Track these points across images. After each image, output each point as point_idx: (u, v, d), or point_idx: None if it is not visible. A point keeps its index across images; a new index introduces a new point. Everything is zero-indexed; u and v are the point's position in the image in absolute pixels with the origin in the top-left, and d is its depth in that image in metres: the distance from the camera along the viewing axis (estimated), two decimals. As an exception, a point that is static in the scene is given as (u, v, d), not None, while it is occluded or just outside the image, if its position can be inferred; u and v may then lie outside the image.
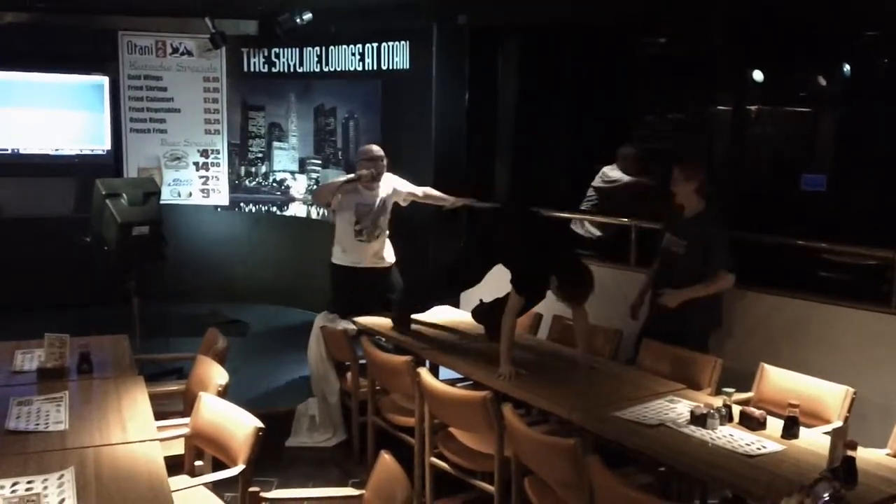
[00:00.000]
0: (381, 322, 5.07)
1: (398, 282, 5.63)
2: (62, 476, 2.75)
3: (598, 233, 6.62)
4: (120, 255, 5.54)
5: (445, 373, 4.59)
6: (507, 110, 7.65)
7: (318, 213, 7.80)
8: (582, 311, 4.28)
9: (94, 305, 6.73)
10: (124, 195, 5.56)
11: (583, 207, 6.82)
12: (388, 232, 5.60)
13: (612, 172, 6.71)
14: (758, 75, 7.87)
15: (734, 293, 4.87)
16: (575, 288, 4.09)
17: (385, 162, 5.45)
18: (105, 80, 7.92)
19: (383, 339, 4.98)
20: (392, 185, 5.56)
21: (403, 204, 5.66)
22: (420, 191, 5.68)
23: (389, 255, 5.66)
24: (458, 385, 4.28)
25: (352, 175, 5.46)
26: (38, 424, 3.22)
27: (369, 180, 5.40)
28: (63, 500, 2.58)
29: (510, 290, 4.26)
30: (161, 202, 6.23)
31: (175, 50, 8.03)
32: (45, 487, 2.66)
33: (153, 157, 8.04)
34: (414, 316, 5.04)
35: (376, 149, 5.47)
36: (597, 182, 6.76)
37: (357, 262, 5.52)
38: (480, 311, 4.88)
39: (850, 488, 2.79)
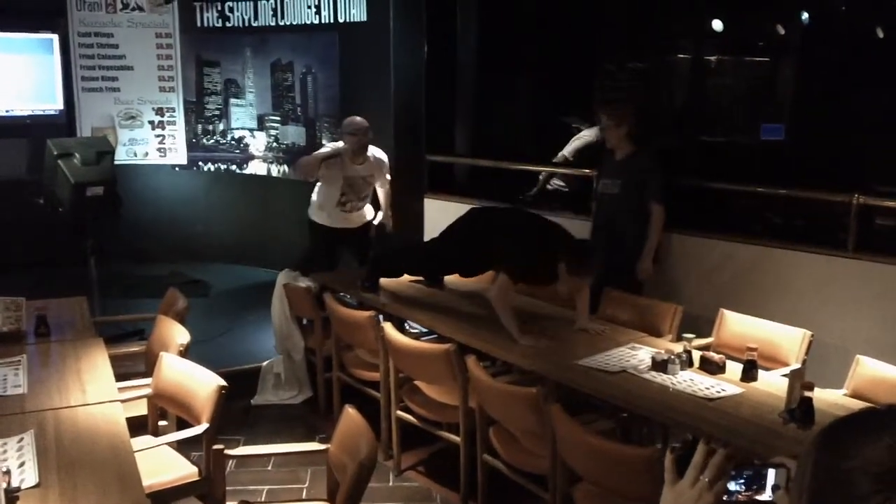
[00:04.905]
0: (344, 278, 5.05)
1: (373, 238, 5.74)
2: (21, 440, 2.71)
3: (562, 183, 6.56)
4: (74, 216, 5.43)
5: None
6: (468, 61, 7.56)
7: (278, 171, 7.69)
8: (584, 287, 4.10)
9: (50, 268, 6.59)
10: (77, 155, 5.42)
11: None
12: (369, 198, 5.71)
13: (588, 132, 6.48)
14: (717, 25, 7.86)
15: (692, 241, 4.94)
16: (583, 267, 3.92)
17: (370, 135, 5.46)
18: (55, 38, 7.68)
19: (347, 296, 4.96)
20: (378, 164, 5.59)
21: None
22: (385, 188, 5.71)
23: (369, 213, 5.76)
24: (423, 339, 4.29)
25: (333, 148, 5.44)
26: (-6, 389, 3.17)
27: (350, 155, 5.40)
28: (23, 462, 2.55)
29: (500, 274, 4.03)
30: (118, 163, 6.08)
31: (125, 6, 7.78)
32: (5, 451, 2.62)
33: (107, 116, 7.83)
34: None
35: (360, 121, 5.46)
36: (572, 147, 6.51)
37: (337, 224, 5.61)
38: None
39: (808, 428, 2.86)
